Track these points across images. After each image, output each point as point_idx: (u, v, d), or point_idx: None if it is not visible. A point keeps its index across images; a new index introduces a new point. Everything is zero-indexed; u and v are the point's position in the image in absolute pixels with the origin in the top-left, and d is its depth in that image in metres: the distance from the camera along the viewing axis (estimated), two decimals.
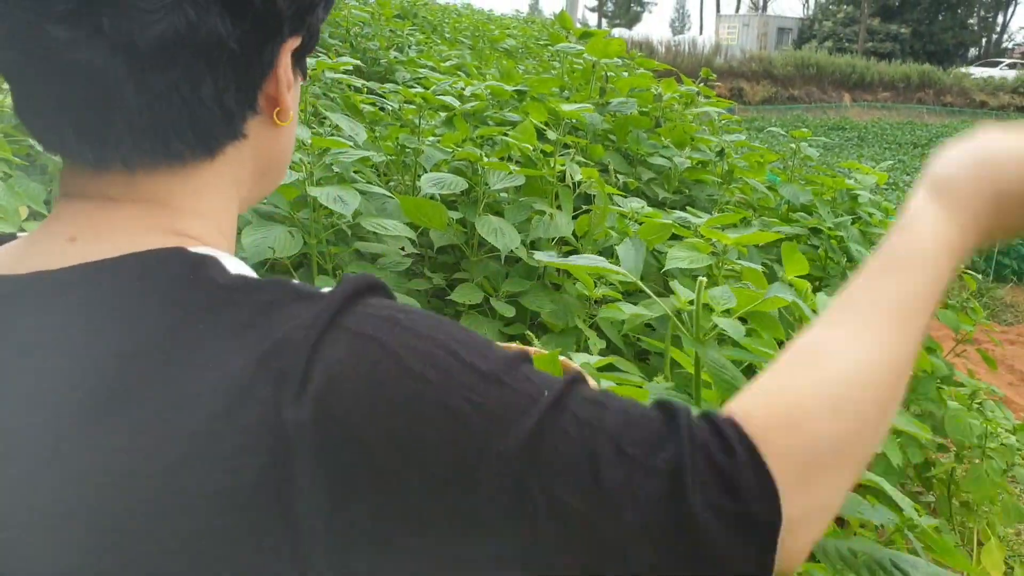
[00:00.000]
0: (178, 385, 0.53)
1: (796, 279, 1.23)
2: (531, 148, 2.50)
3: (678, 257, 2.46)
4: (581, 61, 4.24)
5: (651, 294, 1.18)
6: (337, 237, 2.34)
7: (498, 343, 0.62)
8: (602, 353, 2.30)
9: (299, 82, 0.71)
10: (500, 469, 0.51)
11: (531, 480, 0.50)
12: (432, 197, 2.35)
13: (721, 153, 3.54)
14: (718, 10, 62.34)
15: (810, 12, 51.33)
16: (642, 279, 2.91)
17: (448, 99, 2.88)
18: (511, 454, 0.51)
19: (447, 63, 5.99)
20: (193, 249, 0.60)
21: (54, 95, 0.58)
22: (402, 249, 2.48)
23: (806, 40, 41.43)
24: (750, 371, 1.17)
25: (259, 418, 0.51)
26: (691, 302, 1.10)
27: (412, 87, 5.10)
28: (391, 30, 6.50)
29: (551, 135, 2.69)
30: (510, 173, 2.35)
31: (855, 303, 0.60)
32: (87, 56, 0.55)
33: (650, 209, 2.71)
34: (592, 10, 57.83)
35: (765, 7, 63.04)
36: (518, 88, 4.02)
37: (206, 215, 0.65)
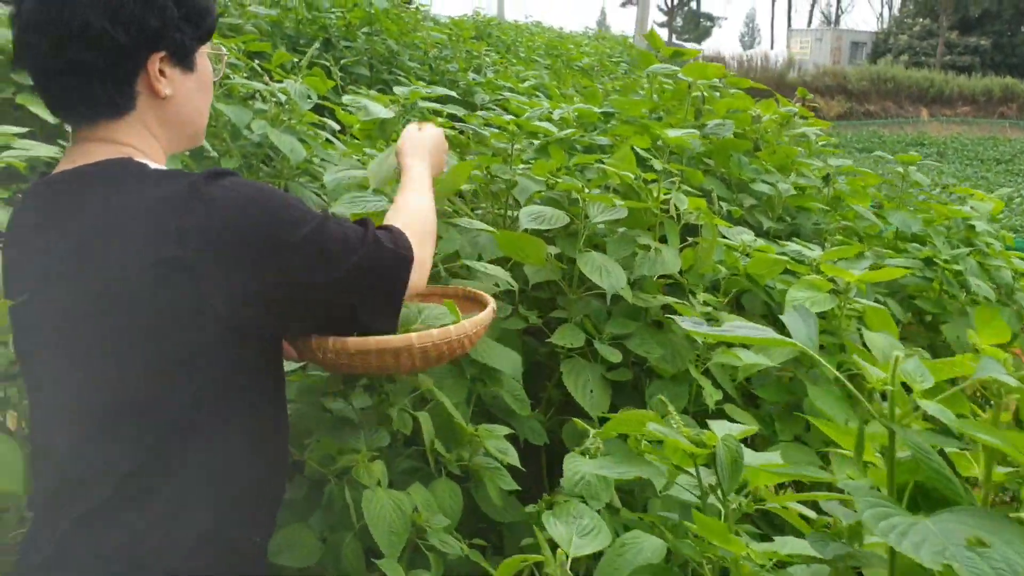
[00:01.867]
0: (119, 207, 1.16)
1: (992, 348, 1.05)
2: (632, 177, 2.33)
3: (798, 297, 2.27)
4: (670, 81, 4.07)
5: (823, 362, 1.01)
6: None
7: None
8: (717, 403, 2.12)
9: (187, 72, 1.33)
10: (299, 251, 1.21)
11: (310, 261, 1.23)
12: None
13: (827, 178, 3.32)
14: (789, 24, 61.47)
15: (884, 26, 50.25)
16: (745, 313, 2.72)
17: (545, 124, 2.72)
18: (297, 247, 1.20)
19: (525, 83, 5.86)
20: (135, 158, 1.24)
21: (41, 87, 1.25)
22: (496, 286, 2.32)
23: (881, 54, 40.50)
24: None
25: (167, 223, 1.13)
26: (884, 380, 0.92)
27: (492, 109, 4.98)
28: (467, 51, 6.41)
29: (654, 163, 2.52)
30: (614, 206, 2.18)
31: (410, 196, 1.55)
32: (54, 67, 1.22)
33: (761, 241, 2.52)
34: (661, 25, 57.47)
35: (838, 21, 61.96)
36: (605, 110, 3.87)
37: (137, 146, 1.27)
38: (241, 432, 1.24)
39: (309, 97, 2.64)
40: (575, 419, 2.30)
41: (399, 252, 1.33)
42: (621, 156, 2.43)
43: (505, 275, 2.16)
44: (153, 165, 1.24)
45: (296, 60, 3.02)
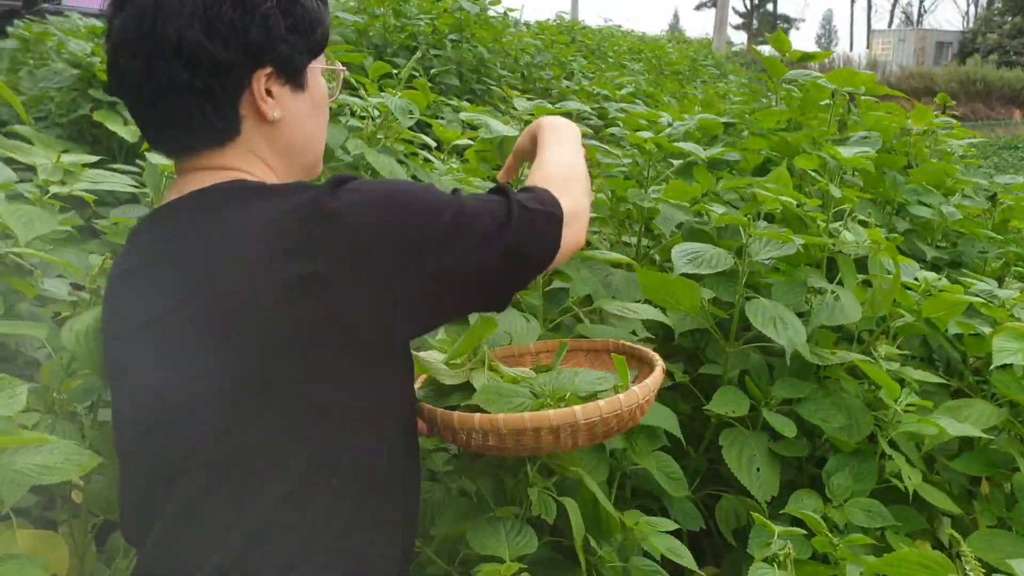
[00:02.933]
0: (237, 226, 1.03)
1: None
2: (796, 204, 1.95)
3: (1007, 349, 1.86)
4: (795, 89, 3.67)
5: None
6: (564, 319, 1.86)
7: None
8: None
9: (298, 91, 1.14)
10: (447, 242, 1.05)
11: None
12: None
13: (994, 199, 2.90)
14: (869, 25, 59.84)
15: (971, 25, 48.58)
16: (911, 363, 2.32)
17: (688, 145, 2.35)
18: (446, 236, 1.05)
19: (622, 90, 5.51)
20: (246, 179, 1.11)
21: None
22: (633, 333, 1.97)
23: (968, 54, 38.96)
24: None
25: (294, 236, 0.99)
26: None
27: (588, 119, 4.62)
28: (557, 57, 6.06)
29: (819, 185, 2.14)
30: (790, 240, 1.81)
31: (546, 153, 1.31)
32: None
33: (944, 281, 2.11)
34: (737, 28, 56.38)
35: (920, 20, 60.22)
36: (727, 120, 3.49)
37: (249, 171, 1.12)
38: (371, 487, 1.09)
39: (411, 113, 2.33)
40: (728, 495, 1.94)
41: (549, 211, 1.15)
42: (777, 178, 2.06)
43: (656, 314, 1.81)
44: (270, 182, 1.12)
45: (393, 72, 2.71)
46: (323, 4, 1.17)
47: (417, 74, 3.89)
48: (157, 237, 1.10)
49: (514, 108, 2.29)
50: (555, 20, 9.27)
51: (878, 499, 1.76)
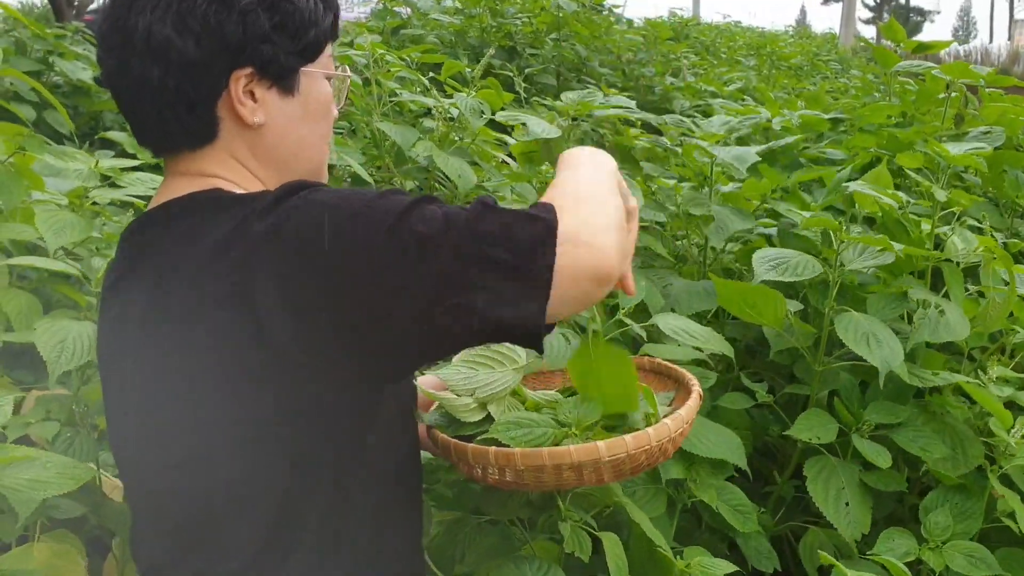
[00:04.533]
0: (188, 247, 0.95)
1: None
2: (897, 207, 1.75)
3: None
4: (910, 81, 3.40)
5: None
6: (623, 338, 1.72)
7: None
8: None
9: (287, 95, 1.05)
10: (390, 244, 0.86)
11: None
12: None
13: None
14: (1011, 15, 56.72)
15: None
16: None
17: (733, 151, 2.15)
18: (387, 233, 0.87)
19: (730, 87, 5.28)
20: (224, 187, 1.02)
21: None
22: (698, 350, 1.80)
23: None
24: None
25: (235, 248, 0.90)
26: None
27: (692, 116, 4.43)
28: (662, 54, 5.86)
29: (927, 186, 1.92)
30: (890, 248, 1.62)
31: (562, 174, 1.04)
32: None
33: None
34: (867, 22, 54.24)
35: None
36: (834, 116, 3.25)
37: (229, 178, 1.04)
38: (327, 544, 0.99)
39: (482, 112, 2.22)
40: (816, 527, 1.76)
41: (532, 216, 0.89)
42: (875, 177, 1.86)
43: (720, 343, 1.64)
44: (240, 190, 1.03)
45: (474, 70, 2.61)
46: (323, 5, 1.06)
47: (511, 74, 3.79)
48: (138, 249, 1.04)
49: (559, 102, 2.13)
50: (668, 17, 9.05)
51: (985, 542, 1.55)
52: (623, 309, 1.50)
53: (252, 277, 0.88)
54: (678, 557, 1.36)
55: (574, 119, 2.07)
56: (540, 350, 0.91)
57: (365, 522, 1.01)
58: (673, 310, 1.72)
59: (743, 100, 4.66)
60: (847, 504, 1.56)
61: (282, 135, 1.06)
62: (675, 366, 1.43)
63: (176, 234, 0.98)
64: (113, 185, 1.49)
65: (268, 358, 0.89)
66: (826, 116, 3.10)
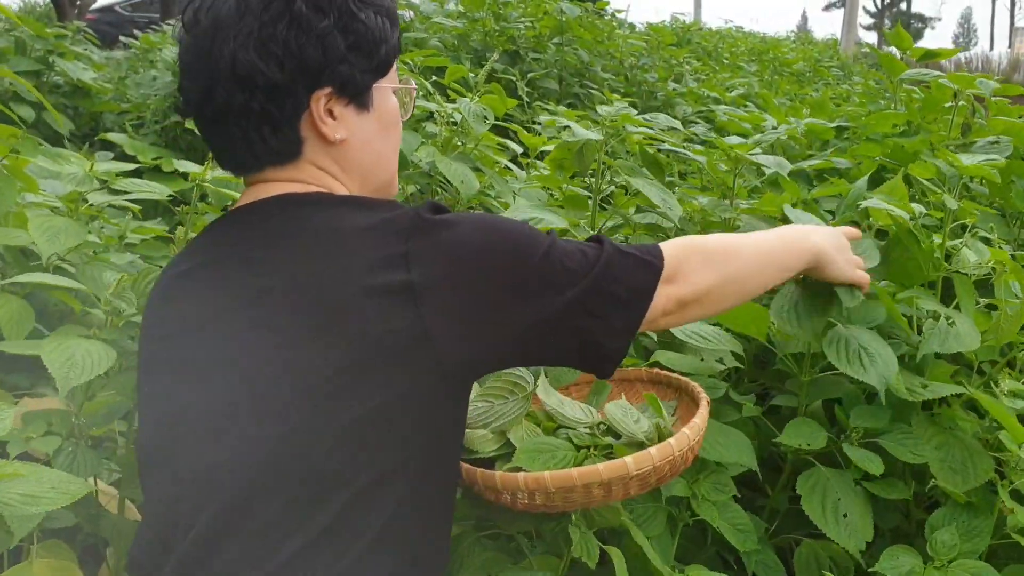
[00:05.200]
0: (329, 231, 1.02)
1: None
2: (909, 218, 1.73)
3: None
4: (917, 90, 3.38)
5: None
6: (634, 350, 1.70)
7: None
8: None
9: (363, 111, 1.11)
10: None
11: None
12: None
13: None
14: (1012, 22, 56.77)
15: None
16: None
17: (767, 158, 2.14)
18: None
19: (732, 93, 5.26)
20: (322, 190, 1.11)
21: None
22: (720, 362, 1.78)
23: None
24: None
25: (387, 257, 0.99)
26: None
27: (694, 123, 4.41)
28: (664, 59, 5.84)
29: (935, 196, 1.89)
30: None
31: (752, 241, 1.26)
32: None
33: None
34: (868, 28, 54.29)
35: None
36: (839, 124, 3.23)
37: (317, 184, 1.10)
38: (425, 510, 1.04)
39: (485, 118, 2.19)
40: (808, 540, 1.72)
41: (644, 258, 1.12)
42: (891, 189, 1.83)
43: (732, 343, 1.63)
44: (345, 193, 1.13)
45: (477, 74, 2.58)
46: (388, 21, 1.13)
47: (514, 78, 3.77)
48: (226, 240, 1.09)
49: (587, 110, 2.11)
50: (670, 22, 9.03)
51: (993, 559, 1.52)
52: None
53: (418, 273, 0.97)
54: (679, 574, 1.35)
55: (607, 128, 2.03)
56: (610, 375, 1.12)
57: (425, 531, 1.04)
58: None
59: (746, 106, 4.64)
60: (845, 516, 1.54)
61: (362, 148, 1.12)
62: (675, 375, 1.44)
63: (303, 223, 1.04)
64: (112, 191, 1.47)
65: (420, 353, 0.96)
66: (831, 124, 3.08)
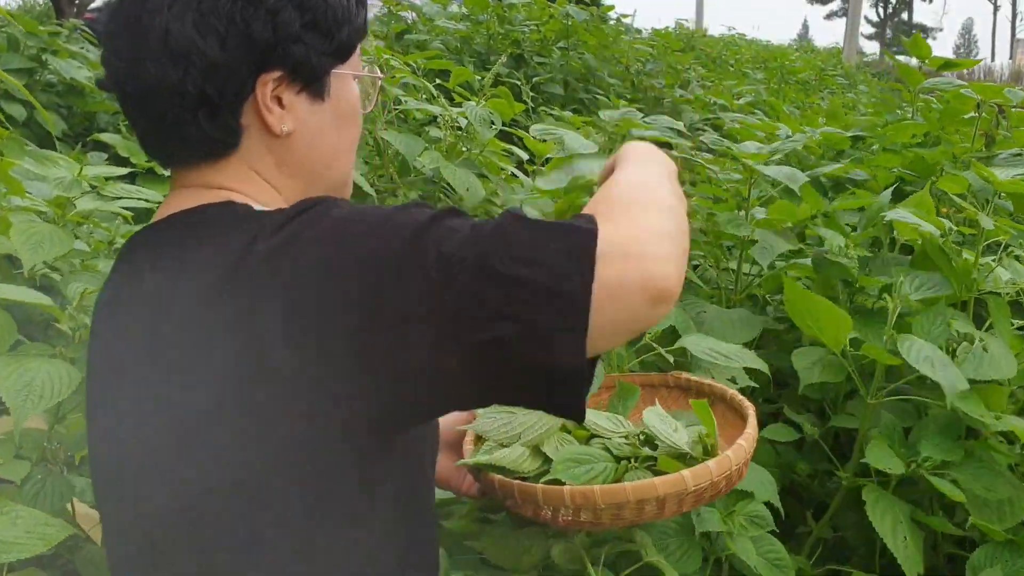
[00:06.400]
0: (192, 263, 0.85)
1: None
2: (939, 234, 1.64)
3: None
4: (934, 100, 3.29)
5: None
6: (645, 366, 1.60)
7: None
8: None
9: (317, 100, 0.95)
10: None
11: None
12: None
13: None
14: (1013, 33, 56.83)
15: None
16: None
17: (780, 171, 2.04)
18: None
19: (740, 100, 5.18)
20: (236, 199, 0.91)
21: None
22: (732, 380, 1.68)
23: None
24: None
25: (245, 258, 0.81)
26: None
27: (702, 131, 4.32)
28: (671, 65, 5.77)
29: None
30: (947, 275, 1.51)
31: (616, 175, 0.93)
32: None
33: None
34: (870, 38, 54.29)
35: None
36: (855, 134, 3.14)
37: (245, 192, 0.93)
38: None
39: (492, 123, 2.10)
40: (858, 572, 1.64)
41: (565, 225, 0.77)
42: (918, 202, 1.74)
43: (754, 360, 1.53)
44: (257, 207, 0.92)
45: (482, 78, 2.49)
46: (355, 1, 0.97)
47: (518, 82, 3.68)
48: (137, 263, 0.94)
49: (592, 116, 2.02)
50: (674, 28, 8.97)
51: None
52: (649, 333, 1.40)
53: (258, 303, 0.79)
54: None
55: (610, 136, 1.95)
56: (580, 411, 0.77)
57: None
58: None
59: (754, 114, 4.56)
60: (904, 538, 1.45)
61: (311, 144, 0.96)
62: (706, 381, 1.35)
63: (181, 252, 0.88)
64: (101, 196, 1.37)
65: (271, 394, 0.79)
66: (847, 133, 2.99)
